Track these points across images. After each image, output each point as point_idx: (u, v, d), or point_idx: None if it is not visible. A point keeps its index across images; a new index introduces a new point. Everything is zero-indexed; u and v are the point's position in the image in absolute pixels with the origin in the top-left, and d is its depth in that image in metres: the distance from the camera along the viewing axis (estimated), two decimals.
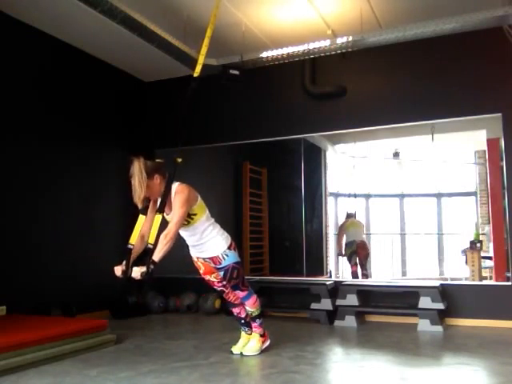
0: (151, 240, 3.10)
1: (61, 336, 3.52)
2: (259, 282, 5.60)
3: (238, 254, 3.49)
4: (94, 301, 5.37)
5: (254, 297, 3.59)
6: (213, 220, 3.44)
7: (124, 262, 3.13)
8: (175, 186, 3.26)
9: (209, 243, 3.37)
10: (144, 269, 2.97)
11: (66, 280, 5.11)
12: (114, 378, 3.01)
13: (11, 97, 4.77)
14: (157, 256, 3.02)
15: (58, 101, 5.29)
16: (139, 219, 3.28)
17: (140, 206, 3.20)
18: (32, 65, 5.02)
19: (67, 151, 5.33)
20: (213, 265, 3.43)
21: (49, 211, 5.05)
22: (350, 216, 6.47)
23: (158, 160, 3.48)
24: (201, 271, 3.54)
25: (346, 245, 6.24)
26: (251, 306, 3.57)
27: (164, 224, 3.23)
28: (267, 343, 3.72)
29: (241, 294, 3.52)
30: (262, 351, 3.63)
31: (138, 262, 3.07)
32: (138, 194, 3.11)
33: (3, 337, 3.27)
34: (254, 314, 3.61)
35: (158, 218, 3.17)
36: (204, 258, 3.45)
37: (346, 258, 6.26)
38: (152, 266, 2.99)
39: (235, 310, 3.67)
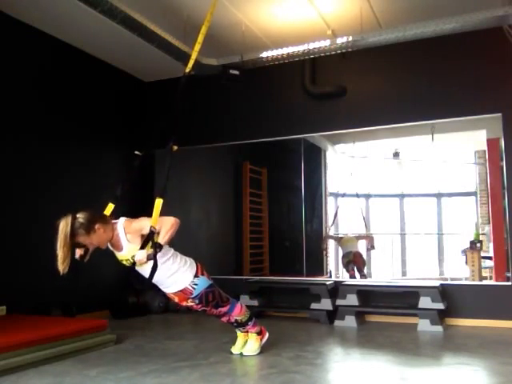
0: (153, 223, 3.01)
1: (61, 336, 3.52)
2: (259, 282, 5.60)
3: (208, 276, 3.35)
4: (94, 301, 5.37)
5: (238, 305, 3.52)
6: (172, 250, 3.26)
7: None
8: (122, 221, 3.09)
9: (173, 277, 3.22)
10: (151, 251, 2.92)
11: (65, 280, 5.09)
12: (114, 378, 3.01)
13: (11, 97, 4.77)
14: (162, 239, 2.98)
15: (58, 101, 5.29)
16: (108, 207, 3.25)
17: (62, 271, 2.85)
18: (32, 65, 5.02)
19: (67, 151, 5.33)
20: (184, 295, 3.31)
21: (49, 211, 5.03)
22: (345, 234, 6.66)
23: (136, 152, 3.46)
24: (176, 300, 3.40)
25: (344, 255, 6.35)
26: (238, 314, 3.51)
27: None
28: (266, 337, 3.68)
29: (224, 309, 3.44)
30: (262, 351, 3.62)
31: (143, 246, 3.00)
32: (60, 259, 2.83)
33: (3, 337, 3.27)
34: (244, 320, 3.55)
35: (159, 201, 3.08)
36: (174, 292, 3.33)
37: (343, 266, 6.36)
38: (158, 250, 2.95)
39: (224, 319, 3.57)
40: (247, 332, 3.63)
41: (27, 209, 4.82)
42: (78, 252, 3.08)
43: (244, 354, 3.57)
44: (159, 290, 3.38)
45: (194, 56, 3.81)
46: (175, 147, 3.38)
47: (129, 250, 3.07)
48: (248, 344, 3.61)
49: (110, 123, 6.02)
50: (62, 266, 2.86)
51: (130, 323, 5.02)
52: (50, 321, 4.06)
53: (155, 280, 3.19)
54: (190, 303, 3.37)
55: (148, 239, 2.98)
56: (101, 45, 5.42)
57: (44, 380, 3.00)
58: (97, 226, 3.00)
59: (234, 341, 3.70)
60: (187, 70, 3.79)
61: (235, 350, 3.62)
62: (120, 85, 6.21)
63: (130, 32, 4.35)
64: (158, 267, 3.06)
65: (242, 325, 3.59)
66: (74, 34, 5.15)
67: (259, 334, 3.65)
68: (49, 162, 5.11)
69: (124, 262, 3.15)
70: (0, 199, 4.57)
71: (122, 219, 3.12)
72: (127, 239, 3.06)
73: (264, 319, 5.01)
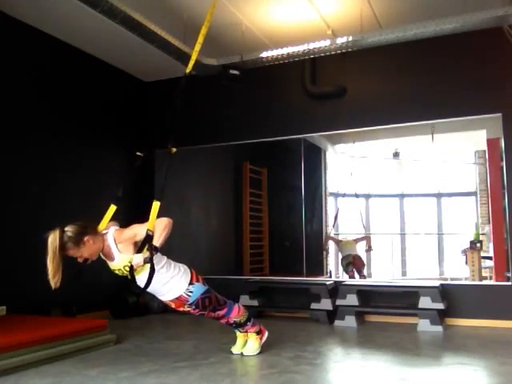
0: (150, 227, 3.00)
1: (61, 336, 3.52)
2: (259, 282, 5.60)
3: (203, 281, 3.32)
4: (94, 301, 5.37)
5: (236, 307, 3.50)
6: (165, 258, 3.22)
7: None
8: (112, 231, 3.05)
9: (168, 286, 3.19)
10: (147, 254, 2.93)
11: (65, 280, 5.10)
12: (114, 378, 3.01)
13: (11, 97, 4.77)
14: (157, 242, 2.97)
15: (58, 101, 5.29)
16: (110, 208, 3.20)
17: (54, 285, 2.88)
18: (32, 65, 5.01)
19: (67, 151, 5.33)
20: (181, 302, 3.29)
21: (49, 211, 5.05)
22: (344, 238, 6.69)
23: (137, 153, 3.47)
24: (172, 306, 3.37)
25: (343, 258, 6.36)
26: (236, 316, 3.49)
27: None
28: (265, 336, 3.68)
29: (222, 312, 3.42)
30: (262, 351, 3.62)
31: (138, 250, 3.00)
32: (51, 273, 2.83)
33: (3, 337, 3.27)
34: (242, 321, 3.54)
35: (156, 204, 3.07)
36: (170, 300, 3.30)
37: (343, 269, 6.37)
38: (154, 252, 2.95)
39: (222, 321, 3.55)
40: (246, 332, 3.63)
41: (27, 209, 4.82)
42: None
43: (244, 353, 3.57)
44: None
45: (194, 56, 3.81)
46: (173, 149, 3.36)
47: (121, 259, 3.02)
48: (248, 343, 3.61)
49: (110, 123, 6.02)
50: (53, 280, 2.86)
51: (130, 323, 5.02)
52: (50, 321, 4.07)
53: (150, 288, 3.14)
54: (186, 308, 3.34)
55: (145, 243, 2.97)
56: (101, 45, 5.42)
57: (44, 380, 3.00)
58: (86, 239, 2.97)
59: (234, 341, 3.69)
60: (187, 70, 3.79)
61: (235, 350, 3.62)
62: (120, 85, 6.21)
63: (130, 32, 4.35)
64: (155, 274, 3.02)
65: (240, 325, 3.58)
66: (74, 33, 5.15)
67: (258, 333, 3.65)
68: (49, 162, 5.11)
69: (116, 272, 3.10)
70: (0, 199, 4.57)
71: (112, 229, 3.08)
72: (118, 249, 3.02)
73: (264, 319, 5.01)
